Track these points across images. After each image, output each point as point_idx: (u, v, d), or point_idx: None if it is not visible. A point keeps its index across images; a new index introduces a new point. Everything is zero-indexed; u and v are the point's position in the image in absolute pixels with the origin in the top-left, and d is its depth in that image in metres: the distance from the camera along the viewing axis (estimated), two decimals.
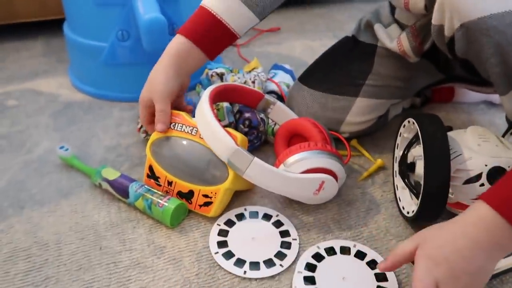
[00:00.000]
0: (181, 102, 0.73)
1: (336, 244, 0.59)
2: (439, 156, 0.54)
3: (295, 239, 0.61)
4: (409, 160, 0.63)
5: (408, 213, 0.62)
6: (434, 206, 0.56)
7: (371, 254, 0.58)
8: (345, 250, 0.58)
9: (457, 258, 0.43)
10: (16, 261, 0.58)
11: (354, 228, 0.63)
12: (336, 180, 0.64)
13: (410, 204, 0.64)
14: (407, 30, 0.72)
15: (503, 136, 0.65)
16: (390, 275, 0.55)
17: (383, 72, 0.77)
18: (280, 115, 0.79)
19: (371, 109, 0.77)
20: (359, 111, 0.77)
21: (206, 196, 0.63)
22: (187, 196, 0.65)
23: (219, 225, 0.63)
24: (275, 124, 0.81)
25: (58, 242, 0.61)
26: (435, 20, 0.59)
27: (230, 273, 0.56)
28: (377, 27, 0.77)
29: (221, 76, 0.84)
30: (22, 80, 1.08)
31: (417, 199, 0.58)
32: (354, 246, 0.59)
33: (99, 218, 0.65)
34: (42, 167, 0.77)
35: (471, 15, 0.51)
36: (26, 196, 0.70)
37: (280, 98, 0.86)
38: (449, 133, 0.60)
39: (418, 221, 0.61)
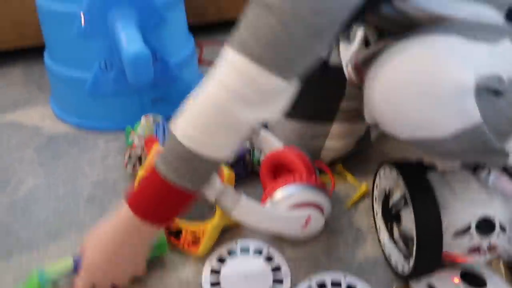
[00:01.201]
0: None
1: (327, 277, 0.61)
2: (432, 223, 0.53)
3: (287, 275, 0.61)
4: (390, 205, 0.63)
5: (396, 268, 0.60)
6: (429, 266, 0.57)
7: (360, 287, 0.59)
8: (335, 284, 0.60)
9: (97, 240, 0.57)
10: None
11: (344, 260, 0.64)
12: (322, 213, 0.65)
13: (399, 256, 0.61)
14: (351, 64, 0.72)
15: (474, 170, 0.61)
16: None
17: (355, 95, 0.75)
18: (265, 142, 0.80)
19: (349, 132, 0.78)
20: (337, 136, 0.77)
21: (194, 234, 0.64)
22: (176, 234, 0.65)
23: (211, 263, 0.63)
24: (260, 153, 0.81)
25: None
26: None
27: None
28: (342, 47, 0.76)
29: None
30: (3, 111, 1.07)
31: (408, 251, 0.59)
32: (345, 277, 0.60)
33: None
34: (28, 207, 0.76)
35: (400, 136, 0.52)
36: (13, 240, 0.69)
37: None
38: (431, 180, 0.57)
39: (411, 278, 0.59)
